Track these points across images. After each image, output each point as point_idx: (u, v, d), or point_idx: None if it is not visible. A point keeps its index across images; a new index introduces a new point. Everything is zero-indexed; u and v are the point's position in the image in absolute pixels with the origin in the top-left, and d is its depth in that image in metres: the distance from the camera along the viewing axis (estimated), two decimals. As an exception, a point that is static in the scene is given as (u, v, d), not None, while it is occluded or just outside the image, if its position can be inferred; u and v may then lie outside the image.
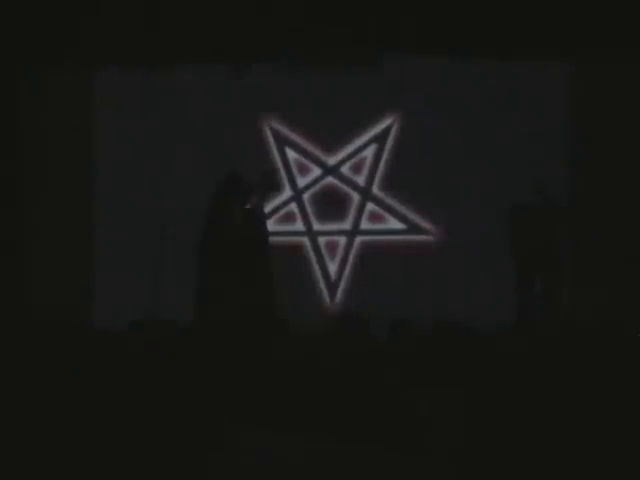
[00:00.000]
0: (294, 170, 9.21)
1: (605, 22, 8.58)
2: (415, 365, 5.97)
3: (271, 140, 9.18)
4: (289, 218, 9.21)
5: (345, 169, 9.21)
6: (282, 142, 9.19)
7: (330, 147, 9.18)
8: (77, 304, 8.82)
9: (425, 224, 9.12)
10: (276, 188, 8.86)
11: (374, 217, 9.20)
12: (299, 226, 9.21)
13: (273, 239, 8.78)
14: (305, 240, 9.21)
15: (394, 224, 9.18)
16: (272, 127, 9.17)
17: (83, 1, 8.70)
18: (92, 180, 9.10)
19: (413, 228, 9.14)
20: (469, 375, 5.43)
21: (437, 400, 4.36)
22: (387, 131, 9.14)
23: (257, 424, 4.28)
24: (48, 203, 9.03)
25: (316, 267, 9.18)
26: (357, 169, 9.20)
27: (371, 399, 4.87)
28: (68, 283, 8.93)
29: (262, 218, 8.35)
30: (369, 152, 9.19)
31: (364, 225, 9.20)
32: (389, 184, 9.18)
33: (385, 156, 9.17)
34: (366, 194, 9.17)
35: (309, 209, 9.21)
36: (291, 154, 9.20)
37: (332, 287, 9.16)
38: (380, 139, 9.17)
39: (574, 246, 8.76)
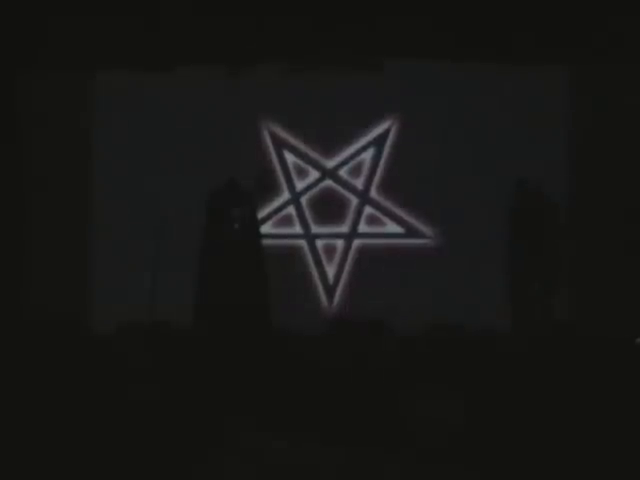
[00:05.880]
0: (292, 173, 9.20)
1: (605, 22, 8.60)
2: (413, 366, 5.97)
3: (269, 143, 9.18)
4: (287, 221, 9.21)
5: (343, 172, 9.21)
6: (280, 145, 9.18)
7: (328, 150, 9.18)
8: (74, 304, 8.80)
9: (423, 227, 9.12)
10: (271, 189, 8.89)
11: (372, 220, 9.20)
12: (297, 229, 9.21)
13: (271, 242, 8.82)
14: (303, 243, 9.20)
15: (392, 227, 9.17)
16: (270, 130, 9.16)
17: (83, 2, 8.69)
18: (91, 180, 9.09)
19: (411, 231, 9.14)
20: (468, 376, 5.42)
21: (436, 401, 4.35)
22: (386, 134, 9.15)
23: (255, 425, 4.27)
24: (47, 203, 9.02)
25: (314, 270, 9.17)
26: (355, 172, 9.20)
27: (369, 400, 4.87)
28: (65, 283, 8.91)
29: (256, 221, 8.39)
30: (367, 155, 9.19)
31: (362, 228, 9.20)
32: (387, 187, 9.17)
33: (383, 159, 9.17)
34: (364, 197, 9.17)
35: (307, 212, 9.21)
36: (289, 157, 9.20)
37: (330, 290, 9.15)
38: (378, 142, 9.17)
39: (574, 246, 8.76)
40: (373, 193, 9.19)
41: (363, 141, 9.18)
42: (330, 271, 9.17)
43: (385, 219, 9.19)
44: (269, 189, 9.02)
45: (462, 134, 8.98)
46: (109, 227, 8.99)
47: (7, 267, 8.84)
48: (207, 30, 8.73)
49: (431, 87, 8.99)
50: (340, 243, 9.20)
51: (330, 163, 9.20)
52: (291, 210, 9.21)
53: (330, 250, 9.19)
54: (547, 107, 8.93)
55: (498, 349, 6.44)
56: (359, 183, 9.20)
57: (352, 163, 9.21)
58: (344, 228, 9.20)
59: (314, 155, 9.20)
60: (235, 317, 7.98)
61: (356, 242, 9.20)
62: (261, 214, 8.81)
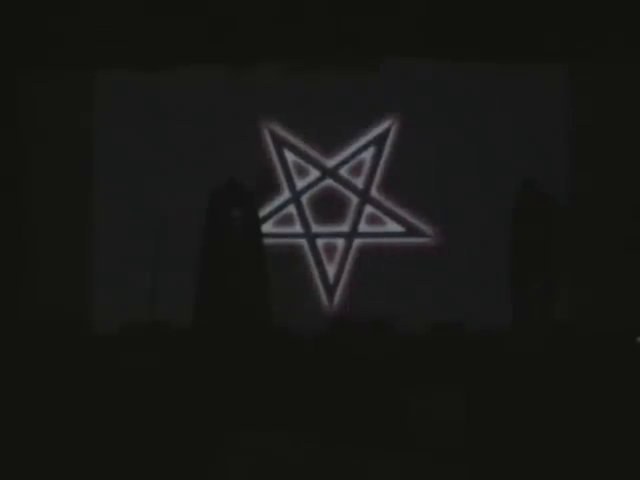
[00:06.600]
0: (292, 172, 9.20)
1: (604, 23, 8.60)
2: (414, 366, 5.97)
3: (269, 143, 9.18)
4: (287, 220, 9.20)
5: (344, 171, 9.21)
6: (280, 144, 9.18)
7: (329, 149, 9.18)
8: (74, 304, 8.80)
9: (424, 226, 9.11)
10: (272, 189, 8.91)
11: (372, 219, 9.19)
12: (297, 228, 9.20)
13: (271, 241, 8.83)
14: (303, 242, 9.20)
15: (392, 226, 9.17)
16: (271, 129, 9.16)
17: (83, 2, 8.70)
18: (91, 180, 9.09)
19: (412, 230, 9.13)
20: (469, 376, 5.43)
21: (436, 401, 4.35)
22: (386, 133, 9.14)
23: (255, 425, 4.28)
24: (47, 203, 9.01)
25: (314, 269, 9.16)
26: (356, 171, 9.20)
27: (369, 399, 4.87)
28: (65, 284, 8.91)
29: (256, 221, 8.40)
30: (368, 154, 9.18)
31: (362, 227, 9.19)
32: (388, 186, 9.17)
33: (384, 158, 9.17)
34: (365, 196, 9.17)
35: (307, 211, 9.20)
36: (289, 156, 9.19)
37: (330, 290, 9.15)
38: (379, 141, 9.16)
39: (574, 246, 8.76)
40: (373, 192, 9.18)
41: (363, 140, 9.17)
42: (330, 270, 9.16)
43: (385, 218, 9.18)
44: (269, 188, 9.02)
45: (462, 134, 8.98)
46: (109, 227, 8.99)
47: (7, 267, 8.84)
48: (207, 30, 8.73)
49: (431, 87, 8.99)
50: (340, 242, 9.19)
51: (330, 162, 9.19)
52: (291, 209, 9.21)
53: (330, 249, 9.19)
54: (547, 106, 8.93)
55: (498, 349, 6.46)
56: (359, 182, 9.19)
57: (352, 162, 9.20)
58: (344, 227, 9.19)
59: (314, 154, 9.19)
60: (235, 317, 7.99)
61: (356, 241, 9.20)
62: (261, 213, 8.82)
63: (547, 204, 8.28)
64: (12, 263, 8.87)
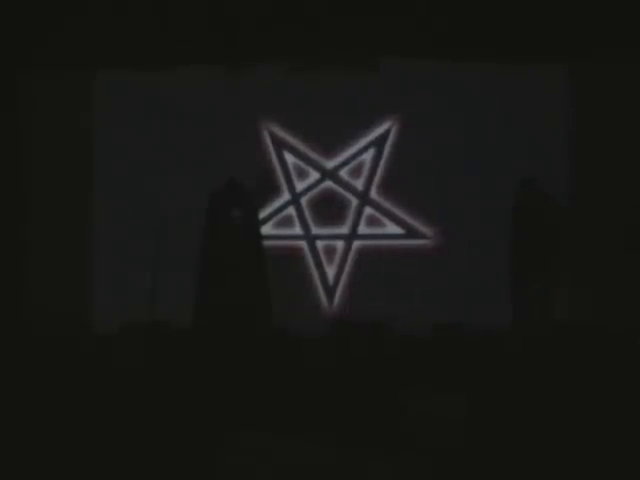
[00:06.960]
0: (292, 174, 9.20)
1: (605, 22, 8.61)
2: (414, 367, 5.97)
3: (269, 143, 9.18)
4: (287, 222, 9.20)
5: (343, 173, 9.20)
6: (280, 145, 9.18)
7: (328, 151, 9.18)
8: (74, 304, 8.81)
9: (423, 228, 9.11)
10: (271, 190, 8.92)
11: (372, 221, 9.19)
12: (297, 230, 9.20)
13: (271, 243, 8.83)
14: (303, 244, 9.20)
15: (392, 228, 9.17)
16: (270, 130, 9.16)
17: (83, 2, 8.70)
18: (91, 181, 9.10)
19: (411, 232, 9.13)
20: (469, 376, 5.43)
21: (436, 401, 4.36)
22: (386, 135, 9.14)
23: (255, 425, 4.28)
24: (47, 203, 9.02)
25: (314, 271, 9.17)
26: (355, 173, 9.20)
27: (369, 401, 4.87)
28: (65, 283, 8.92)
29: (256, 222, 8.40)
30: (367, 156, 9.18)
31: (362, 229, 9.19)
32: (387, 188, 9.17)
33: (384, 160, 9.17)
34: (364, 198, 9.17)
35: (307, 213, 9.20)
36: (289, 158, 9.19)
37: (330, 291, 9.15)
38: (379, 143, 9.16)
39: (574, 246, 8.76)
40: (373, 194, 9.18)
41: (363, 142, 9.17)
42: (330, 272, 9.16)
43: (385, 220, 9.18)
44: (269, 189, 9.03)
45: (462, 134, 8.99)
46: (109, 227, 9.00)
47: (7, 267, 8.84)
48: (207, 30, 8.74)
49: (431, 87, 8.99)
50: (340, 244, 9.19)
51: (330, 164, 9.19)
52: (291, 211, 9.21)
53: (330, 251, 9.19)
54: (547, 106, 8.94)
55: (498, 349, 6.45)
56: (359, 184, 9.19)
57: (352, 164, 9.20)
58: (344, 229, 9.19)
59: (314, 156, 9.19)
60: (235, 317, 7.99)
61: (356, 243, 9.19)
62: (261, 215, 8.82)
63: (547, 204, 8.29)
64: (12, 263, 8.87)
